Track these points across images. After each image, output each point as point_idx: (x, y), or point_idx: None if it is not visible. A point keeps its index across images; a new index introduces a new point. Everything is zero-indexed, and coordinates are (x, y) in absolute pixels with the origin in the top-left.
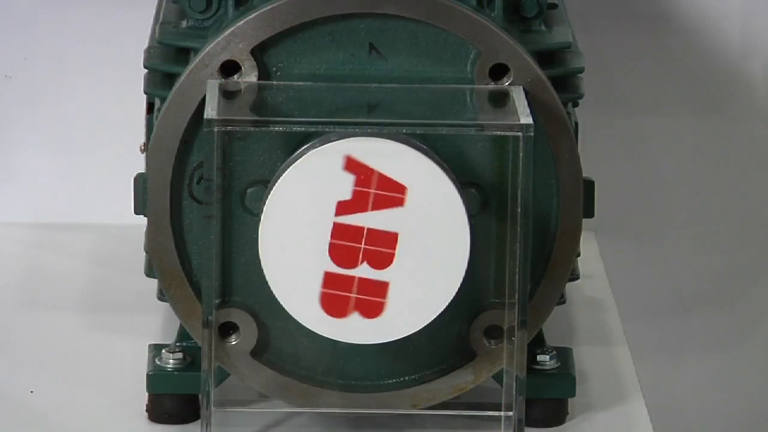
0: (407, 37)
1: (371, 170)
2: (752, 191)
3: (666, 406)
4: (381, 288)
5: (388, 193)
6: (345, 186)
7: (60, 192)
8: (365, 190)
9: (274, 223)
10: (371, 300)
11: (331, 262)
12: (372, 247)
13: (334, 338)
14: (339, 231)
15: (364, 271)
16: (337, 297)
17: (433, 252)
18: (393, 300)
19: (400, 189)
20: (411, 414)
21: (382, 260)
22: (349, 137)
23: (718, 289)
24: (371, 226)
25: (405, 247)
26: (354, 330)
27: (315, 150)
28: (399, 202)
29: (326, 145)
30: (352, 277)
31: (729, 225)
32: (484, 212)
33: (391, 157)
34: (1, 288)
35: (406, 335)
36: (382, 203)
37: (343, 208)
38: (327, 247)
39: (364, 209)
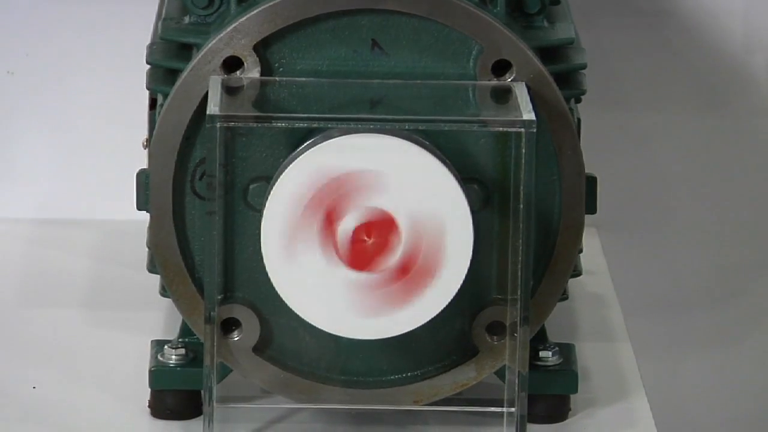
0: (410, 34)
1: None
2: (755, 187)
3: (668, 402)
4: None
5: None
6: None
7: (62, 188)
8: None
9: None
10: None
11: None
12: (375, 243)
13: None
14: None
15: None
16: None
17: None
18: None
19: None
20: (413, 410)
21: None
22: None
23: (721, 285)
24: (374, 222)
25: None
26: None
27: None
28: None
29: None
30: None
31: (731, 221)
32: (487, 208)
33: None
34: (2, 284)
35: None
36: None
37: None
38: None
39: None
